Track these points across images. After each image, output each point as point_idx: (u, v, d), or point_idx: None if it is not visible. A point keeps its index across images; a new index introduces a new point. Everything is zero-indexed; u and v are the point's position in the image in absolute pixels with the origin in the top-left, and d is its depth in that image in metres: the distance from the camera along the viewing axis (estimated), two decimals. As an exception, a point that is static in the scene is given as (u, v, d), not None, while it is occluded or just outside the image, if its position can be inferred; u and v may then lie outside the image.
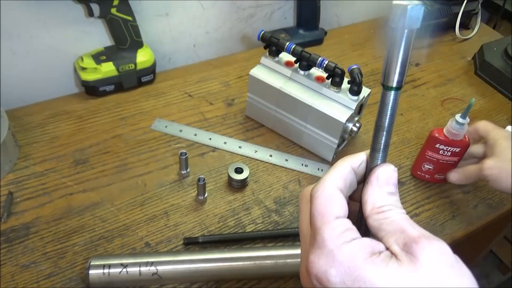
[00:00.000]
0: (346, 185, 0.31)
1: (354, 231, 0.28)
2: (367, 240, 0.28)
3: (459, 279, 0.25)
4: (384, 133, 0.30)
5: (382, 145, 0.30)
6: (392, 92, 0.28)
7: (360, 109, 0.75)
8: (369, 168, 0.31)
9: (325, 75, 0.71)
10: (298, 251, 0.58)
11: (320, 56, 0.69)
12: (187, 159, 0.68)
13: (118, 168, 0.70)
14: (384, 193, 0.30)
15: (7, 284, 0.55)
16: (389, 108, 0.29)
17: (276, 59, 0.74)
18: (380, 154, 0.31)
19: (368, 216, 0.29)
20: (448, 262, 0.25)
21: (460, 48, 1.07)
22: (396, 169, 0.31)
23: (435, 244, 0.25)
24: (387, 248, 0.27)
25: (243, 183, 0.69)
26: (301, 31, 1.00)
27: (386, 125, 0.30)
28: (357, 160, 0.33)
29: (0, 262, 0.57)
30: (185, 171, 0.69)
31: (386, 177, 0.30)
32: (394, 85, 0.28)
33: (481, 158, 0.66)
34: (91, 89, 0.81)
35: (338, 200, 0.30)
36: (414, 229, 0.27)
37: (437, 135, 0.66)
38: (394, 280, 0.24)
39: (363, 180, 0.32)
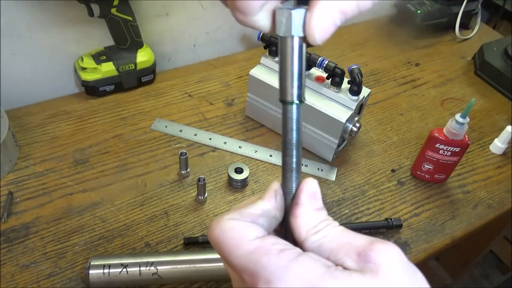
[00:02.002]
0: (254, 220, 0.26)
1: (291, 245, 0.25)
2: (312, 254, 0.24)
3: (418, 277, 0.24)
4: (294, 150, 0.27)
5: (294, 163, 0.27)
6: (294, 106, 0.26)
7: (360, 109, 0.75)
8: (288, 193, 0.28)
9: (325, 75, 0.71)
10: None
11: (320, 56, 0.69)
12: (187, 159, 0.68)
13: (118, 168, 0.70)
14: (314, 210, 0.27)
15: (7, 284, 0.55)
16: (294, 122, 0.26)
17: (276, 59, 0.74)
18: (294, 174, 0.28)
19: (305, 240, 0.26)
20: (404, 262, 0.24)
21: (460, 48, 1.07)
22: (317, 181, 0.28)
23: (389, 247, 0.24)
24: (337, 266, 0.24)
25: (243, 183, 0.69)
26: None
27: (294, 141, 0.27)
28: (270, 194, 0.28)
29: (0, 262, 0.57)
30: (185, 171, 0.69)
31: (313, 192, 0.27)
32: (294, 99, 0.26)
33: None
34: (91, 89, 0.81)
35: (245, 224, 0.26)
36: (361, 238, 0.25)
37: (437, 135, 0.66)
38: None
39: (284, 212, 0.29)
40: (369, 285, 0.22)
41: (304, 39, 0.24)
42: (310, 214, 0.27)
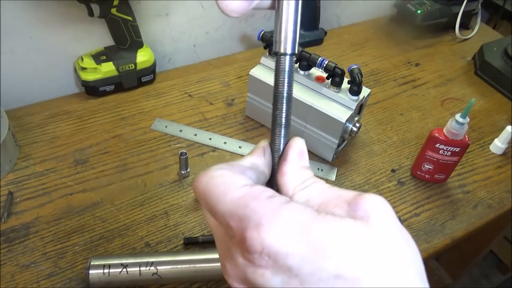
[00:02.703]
0: (243, 171, 0.26)
1: (281, 195, 0.24)
2: (302, 203, 0.24)
3: (404, 230, 0.24)
4: (284, 103, 0.27)
5: (284, 118, 0.27)
6: (287, 58, 0.26)
7: (360, 109, 0.75)
8: (277, 148, 0.28)
9: (325, 75, 0.71)
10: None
11: (320, 56, 0.69)
12: (187, 159, 0.68)
13: (118, 168, 0.70)
14: (303, 167, 0.27)
15: (7, 284, 0.55)
16: (286, 74, 0.26)
17: (276, 59, 0.74)
18: (283, 130, 0.28)
19: (292, 196, 0.26)
20: (393, 213, 0.24)
21: (460, 48, 1.07)
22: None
23: (378, 197, 0.24)
24: None
25: (243, 183, 0.69)
26: (301, 31, 1.00)
27: (286, 94, 0.27)
28: (259, 150, 0.28)
29: (0, 262, 0.57)
30: (185, 171, 0.69)
31: (301, 150, 0.27)
32: (288, 51, 0.26)
33: None
34: (91, 89, 0.81)
35: (234, 173, 0.25)
36: (348, 191, 0.25)
37: (437, 135, 0.66)
38: (357, 236, 0.22)
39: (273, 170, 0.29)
40: (360, 230, 0.22)
41: None
42: (298, 171, 0.27)
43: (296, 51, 0.26)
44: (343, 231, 0.22)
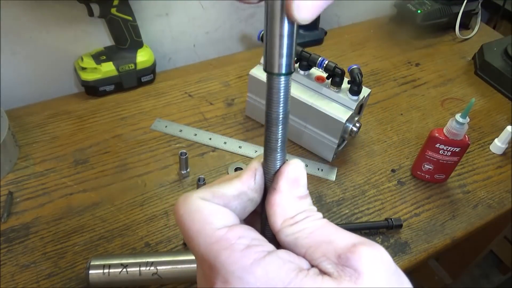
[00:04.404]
0: (227, 203, 0.23)
1: (261, 240, 0.22)
2: (284, 252, 0.21)
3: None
4: (280, 125, 0.23)
5: (280, 141, 0.24)
6: (282, 78, 0.22)
7: (360, 109, 0.75)
8: (269, 174, 0.25)
9: (325, 75, 0.71)
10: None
11: (320, 56, 0.69)
12: (187, 159, 0.68)
13: (118, 168, 0.70)
14: (295, 198, 0.24)
15: (7, 284, 0.55)
16: (282, 94, 0.22)
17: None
18: (279, 154, 0.24)
19: (279, 231, 0.23)
20: (390, 270, 0.21)
21: (460, 48, 1.07)
22: (304, 165, 0.25)
23: (376, 251, 0.21)
24: (313, 267, 0.21)
25: (243, 183, 0.69)
26: (301, 31, 1.00)
27: (281, 116, 0.23)
28: (248, 174, 0.25)
29: (0, 262, 0.57)
30: (185, 171, 0.69)
31: (295, 177, 0.24)
32: (283, 71, 0.22)
33: None
34: (91, 89, 0.81)
35: (214, 208, 0.22)
36: (342, 236, 0.22)
37: (437, 135, 0.66)
38: None
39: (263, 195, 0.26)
40: None
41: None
42: (288, 203, 0.24)
43: (294, 68, 0.23)
44: None
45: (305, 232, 0.22)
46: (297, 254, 0.22)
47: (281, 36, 0.21)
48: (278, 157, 0.24)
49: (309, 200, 0.24)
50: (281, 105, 0.23)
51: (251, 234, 0.22)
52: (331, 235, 0.22)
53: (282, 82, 0.22)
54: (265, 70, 0.22)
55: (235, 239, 0.21)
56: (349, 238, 0.21)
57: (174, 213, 0.23)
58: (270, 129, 0.24)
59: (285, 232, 0.23)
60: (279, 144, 0.24)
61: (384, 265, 0.20)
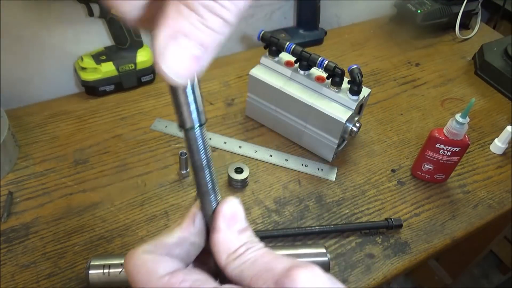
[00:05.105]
0: (168, 251, 0.25)
1: (203, 280, 0.24)
2: (228, 286, 0.23)
3: None
4: (206, 171, 0.25)
5: (210, 185, 0.26)
6: (197, 130, 0.24)
7: (360, 109, 0.75)
8: (208, 216, 0.27)
9: (325, 75, 0.71)
10: (298, 251, 0.58)
11: (320, 56, 0.69)
12: (187, 159, 0.68)
13: (118, 168, 0.70)
14: (235, 233, 0.25)
15: (7, 284, 0.55)
16: (200, 144, 0.24)
17: (276, 59, 0.75)
18: (212, 196, 0.26)
19: (225, 267, 0.24)
20: (324, 282, 0.22)
21: (460, 48, 1.07)
22: (239, 200, 0.27)
23: (307, 271, 0.22)
24: None
25: (243, 183, 0.69)
26: (301, 31, 1.00)
27: (205, 162, 0.25)
28: (187, 220, 0.26)
29: (0, 262, 0.57)
30: (185, 171, 0.69)
31: (232, 214, 0.26)
32: (195, 125, 0.24)
33: None
34: (91, 89, 0.81)
35: (156, 259, 0.24)
36: (279, 263, 0.23)
37: (437, 135, 0.66)
38: None
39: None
40: None
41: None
42: (229, 239, 0.25)
43: (205, 119, 0.24)
44: None
45: (247, 263, 0.24)
46: (244, 285, 0.24)
47: (184, 94, 0.23)
48: (212, 198, 0.26)
49: (249, 232, 0.26)
50: (201, 152, 0.25)
51: (193, 276, 0.24)
52: (270, 263, 0.23)
53: (197, 133, 0.24)
54: (179, 126, 0.24)
55: (177, 283, 0.23)
56: (285, 263, 0.23)
57: (124, 269, 0.25)
58: (198, 175, 0.25)
59: (230, 267, 0.24)
60: (210, 187, 0.26)
61: (316, 279, 0.22)
